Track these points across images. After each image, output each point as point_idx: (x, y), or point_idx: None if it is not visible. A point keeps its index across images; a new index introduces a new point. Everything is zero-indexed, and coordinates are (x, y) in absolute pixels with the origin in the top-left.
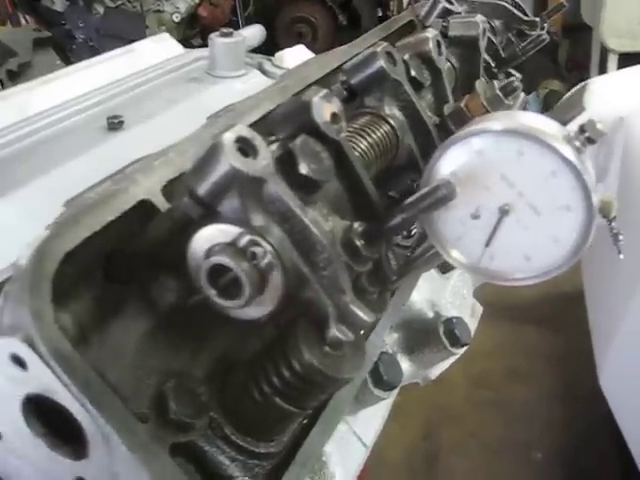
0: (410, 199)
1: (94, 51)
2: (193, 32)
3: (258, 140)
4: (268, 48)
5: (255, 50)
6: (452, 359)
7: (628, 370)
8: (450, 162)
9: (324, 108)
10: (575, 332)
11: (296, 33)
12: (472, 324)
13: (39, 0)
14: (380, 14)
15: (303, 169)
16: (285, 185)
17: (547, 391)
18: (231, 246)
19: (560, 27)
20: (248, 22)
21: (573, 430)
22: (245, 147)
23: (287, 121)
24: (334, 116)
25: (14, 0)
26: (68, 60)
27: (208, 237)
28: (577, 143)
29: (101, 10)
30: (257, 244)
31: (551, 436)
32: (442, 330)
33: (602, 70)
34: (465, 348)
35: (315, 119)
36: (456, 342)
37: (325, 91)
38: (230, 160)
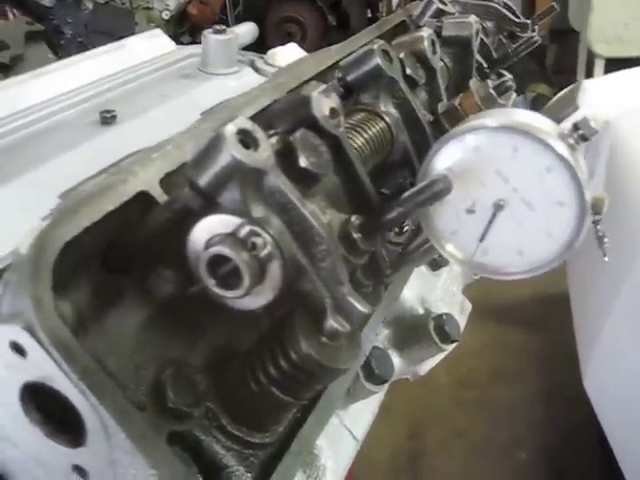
0: (407, 193)
1: (83, 47)
2: (182, 30)
3: (259, 132)
4: (258, 48)
5: (245, 49)
6: (441, 355)
7: (611, 371)
8: (446, 157)
9: (323, 103)
10: (561, 333)
11: (285, 33)
12: (461, 321)
13: None
14: (369, 15)
15: (303, 162)
16: (285, 177)
17: (532, 391)
18: (231, 236)
19: (548, 32)
20: (237, 21)
21: (557, 430)
22: (246, 139)
23: (287, 115)
24: (333, 111)
25: None
26: (57, 55)
27: (208, 228)
28: (571, 140)
29: (90, 6)
30: (257, 235)
31: (535, 436)
32: (432, 326)
33: (589, 74)
34: (455, 344)
35: (314, 113)
36: (446, 338)
37: (324, 86)
38: (232, 151)
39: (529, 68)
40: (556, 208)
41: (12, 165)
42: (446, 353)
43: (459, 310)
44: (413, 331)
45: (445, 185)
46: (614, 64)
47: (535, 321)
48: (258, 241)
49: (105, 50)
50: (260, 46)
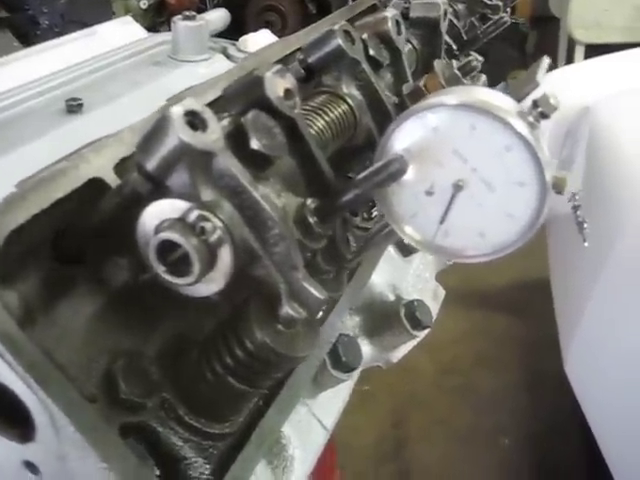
0: (363, 174)
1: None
2: (161, 19)
3: (208, 114)
4: (238, 38)
5: (224, 38)
6: (414, 342)
7: (592, 356)
8: (403, 137)
9: (277, 84)
10: (543, 319)
11: (265, 22)
12: (434, 307)
13: None
14: (350, 2)
15: (254, 144)
16: (235, 160)
17: (515, 378)
18: (180, 221)
19: (528, 18)
20: None
21: (540, 416)
22: (194, 120)
23: (240, 97)
24: (287, 92)
25: None
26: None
27: (157, 213)
28: (530, 118)
29: None
30: (206, 219)
31: (518, 422)
32: (403, 313)
33: (569, 61)
34: (427, 331)
35: (268, 94)
36: (417, 325)
37: (278, 67)
38: (179, 133)
39: (510, 55)
40: (516, 188)
41: None
42: (418, 340)
43: (432, 296)
44: (384, 318)
45: (401, 165)
46: (594, 50)
47: (517, 307)
48: (207, 226)
49: (74, 37)
50: (240, 36)
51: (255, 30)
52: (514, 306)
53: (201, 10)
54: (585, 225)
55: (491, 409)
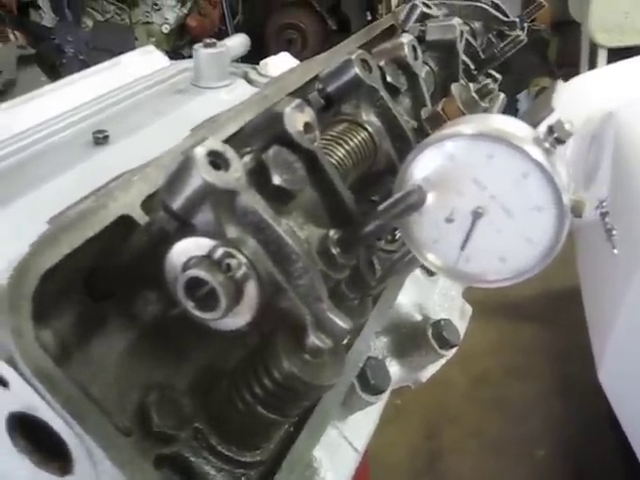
0: (383, 205)
1: (84, 65)
2: (183, 42)
3: (230, 153)
4: (259, 56)
5: (246, 58)
6: (442, 361)
7: (626, 364)
8: (422, 166)
9: (296, 118)
10: (572, 328)
11: (286, 40)
12: (461, 325)
13: (27, 15)
14: (370, 18)
15: (276, 180)
16: (258, 196)
17: (547, 388)
18: (206, 259)
19: (549, 24)
20: (237, 31)
21: (574, 426)
22: (217, 160)
23: (261, 132)
24: (307, 125)
25: (2, 15)
26: (58, 75)
27: (184, 250)
28: (546, 144)
29: (90, 24)
30: (232, 256)
31: (552, 432)
32: (430, 333)
33: (592, 65)
34: (454, 350)
35: (287, 129)
36: (445, 344)
37: (298, 101)
38: (202, 174)
39: (531, 62)
40: (534, 213)
41: (6, 191)
42: (447, 359)
43: (459, 315)
44: (411, 338)
45: (420, 196)
46: (617, 54)
47: (545, 317)
48: (233, 262)
49: (98, 69)
50: (262, 54)
51: (275, 48)
52: (542, 316)
53: (222, 31)
54: (614, 232)
55: (524, 419)
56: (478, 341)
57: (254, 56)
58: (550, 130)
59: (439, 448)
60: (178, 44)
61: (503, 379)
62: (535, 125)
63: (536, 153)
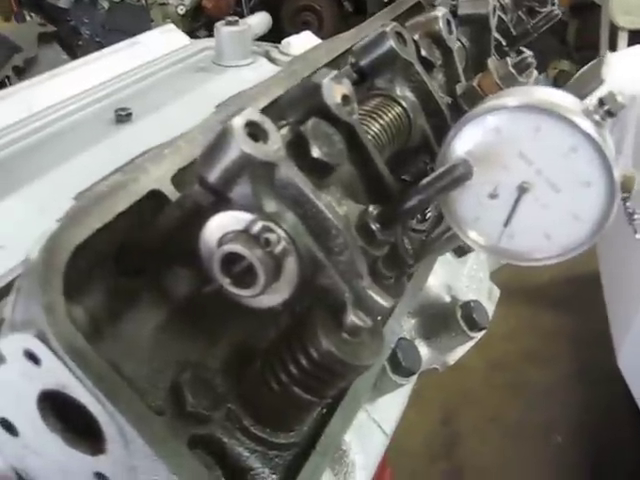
0: (426, 179)
1: (100, 46)
2: (198, 24)
3: (268, 124)
4: (275, 38)
5: (261, 40)
6: (470, 343)
7: None
8: (466, 141)
9: (335, 90)
10: (591, 313)
11: (302, 22)
12: (489, 307)
13: None
14: (386, 0)
15: (315, 152)
16: (297, 169)
17: (565, 373)
18: (244, 233)
19: (568, 7)
20: (253, 12)
21: (592, 411)
22: (255, 131)
23: (297, 104)
24: (345, 98)
25: None
26: (75, 57)
27: (220, 225)
28: (596, 117)
29: (106, 5)
30: (270, 230)
31: (570, 418)
32: (460, 314)
33: (612, 48)
34: (483, 332)
35: (326, 101)
36: (474, 326)
37: (335, 72)
38: (240, 145)
39: (550, 45)
40: (583, 189)
41: (30, 168)
42: (475, 341)
43: (487, 296)
44: (441, 320)
45: (465, 169)
46: (638, 36)
47: (564, 301)
48: (272, 237)
49: (118, 47)
50: (277, 36)
51: (292, 31)
52: (562, 301)
53: (237, 13)
54: (636, 216)
55: (542, 404)
56: (497, 325)
57: (270, 39)
58: (601, 102)
59: (457, 433)
60: (194, 25)
61: (522, 364)
62: (583, 97)
63: (586, 125)
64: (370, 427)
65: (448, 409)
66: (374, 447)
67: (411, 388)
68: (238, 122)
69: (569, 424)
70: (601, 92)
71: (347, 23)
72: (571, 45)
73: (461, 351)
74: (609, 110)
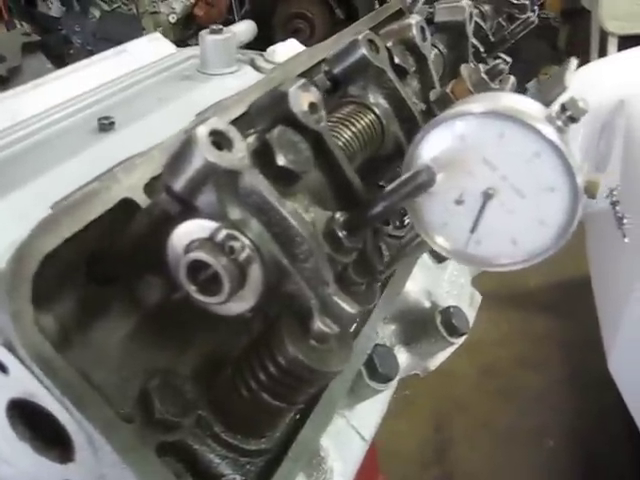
0: (391, 186)
1: (91, 55)
2: (190, 32)
3: (233, 132)
4: (267, 46)
5: (254, 49)
6: (451, 349)
7: (636, 354)
8: (431, 146)
9: (301, 98)
10: (582, 318)
11: (293, 29)
12: (471, 313)
13: (35, 6)
14: (378, 6)
15: (280, 160)
16: (262, 177)
17: (557, 378)
18: (209, 241)
19: (559, 13)
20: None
21: (584, 416)
22: (219, 140)
23: (265, 113)
24: (312, 105)
25: (10, 6)
26: (66, 65)
27: (186, 233)
28: (559, 122)
29: (97, 14)
30: (234, 238)
31: (562, 423)
32: (439, 320)
33: (602, 54)
34: (464, 338)
35: (292, 109)
36: (454, 332)
37: (302, 81)
38: (204, 154)
39: (541, 50)
40: (547, 194)
41: (12, 177)
42: (456, 347)
43: (468, 302)
44: (420, 326)
45: (429, 176)
46: (628, 42)
47: (555, 306)
48: (236, 245)
49: (104, 56)
50: (269, 44)
51: (283, 38)
52: (552, 306)
53: (229, 21)
54: (625, 220)
55: (534, 410)
56: (488, 331)
57: (262, 46)
58: (563, 108)
59: (448, 439)
60: (185, 34)
61: (513, 369)
62: (547, 103)
63: (548, 131)
64: (349, 433)
65: (440, 415)
66: (353, 453)
67: (391, 394)
68: (202, 131)
69: (561, 429)
70: (564, 98)
71: (339, 30)
72: (562, 50)
73: (442, 357)
74: (571, 116)
